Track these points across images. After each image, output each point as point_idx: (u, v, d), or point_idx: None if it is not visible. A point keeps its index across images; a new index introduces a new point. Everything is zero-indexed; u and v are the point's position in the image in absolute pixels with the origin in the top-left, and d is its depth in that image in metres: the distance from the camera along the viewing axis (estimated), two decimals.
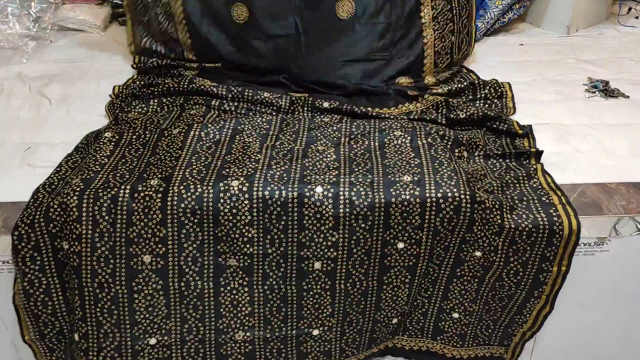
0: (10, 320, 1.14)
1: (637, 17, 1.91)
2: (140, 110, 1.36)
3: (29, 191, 1.10)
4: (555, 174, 1.16)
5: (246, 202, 1.01)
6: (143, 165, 1.11)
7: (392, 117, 1.33)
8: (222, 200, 1.01)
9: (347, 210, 1.02)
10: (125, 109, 1.36)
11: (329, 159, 1.12)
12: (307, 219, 1.03)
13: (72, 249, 1.01)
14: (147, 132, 1.21)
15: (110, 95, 1.46)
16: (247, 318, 1.11)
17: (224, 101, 1.32)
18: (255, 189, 1.02)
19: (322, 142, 1.19)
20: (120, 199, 1.01)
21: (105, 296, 1.04)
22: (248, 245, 1.05)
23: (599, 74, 1.56)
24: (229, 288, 1.08)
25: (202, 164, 1.08)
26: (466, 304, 1.15)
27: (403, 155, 1.12)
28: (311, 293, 1.10)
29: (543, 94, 1.49)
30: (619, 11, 1.85)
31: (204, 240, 1.04)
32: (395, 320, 1.15)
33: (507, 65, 1.63)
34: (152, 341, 1.09)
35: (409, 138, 1.16)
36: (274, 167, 1.08)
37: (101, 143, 1.17)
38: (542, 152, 1.21)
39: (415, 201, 1.02)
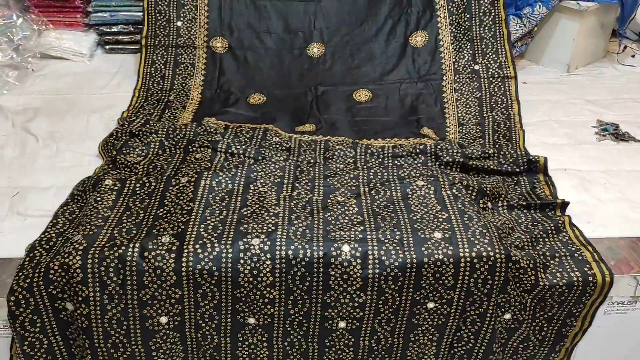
0: None
1: (633, 56, 1.92)
2: (139, 152, 1.27)
3: (21, 245, 1.01)
4: (582, 226, 1.12)
5: (268, 262, 0.94)
6: (151, 218, 1.02)
7: (409, 161, 1.28)
8: (242, 261, 0.93)
9: (377, 271, 0.95)
10: (124, 151, 1.26)
11: (351, 212, 1.06)
12: (333, 280, 0.95)
13: (79, 312, 0.92)
14: (151, 180, 1.12)
15: (116, 128, 1.36)
16: None
17: (231, 144, 1.25)
18: (277, 247, 0.95)
19: (340, 192, 1.13)
20: (129, 258, 0.92)
21: (121, 355, 0.96)
22: (269, 307, 0.97)
23: (606, 115, 1.55)
24: (247, 343, 1.01)
25: (217, 219, 1.00)
26: None
27: (429, 208, 1.06)
28: (333, 350, 1.03)
29: (553, 136, 1.46)
30: (618, 50, 1.85)
31: (222, 300, 0.96)
32: None
33: None
34: None
35: (432, 189, 1.11)
36: (295, 222, 1.01)
37: (102, 192, 1.07)
38: (568, 203, 1.17)
39: (448, 261, 0.96)
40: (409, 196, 1.10)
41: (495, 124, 1.47)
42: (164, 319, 0.96)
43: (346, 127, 1.46)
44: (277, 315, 0.98)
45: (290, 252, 0.95)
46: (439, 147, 1.27)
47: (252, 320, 0.99)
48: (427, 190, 1.11)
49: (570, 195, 1.21)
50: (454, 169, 1.24)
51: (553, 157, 1.35)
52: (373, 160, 1.28)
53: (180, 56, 1.62)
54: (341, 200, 1.09)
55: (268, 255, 0.94)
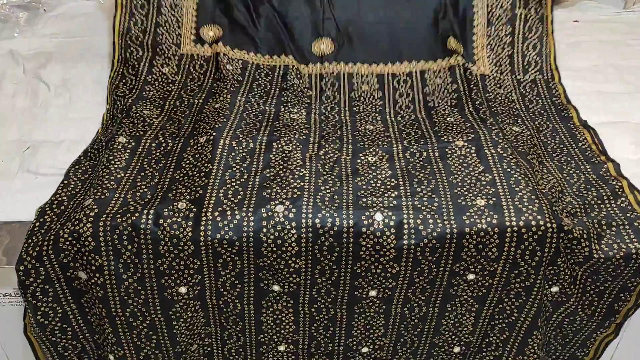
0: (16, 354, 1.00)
1: None
2: (156, 104, 1.17)
3: (32, 207, 0.94)
4: None
5: (293, 231, 0.86)
6: (167, 181, 0.94)
7: (442, 105, 1.17)
8: (264, 230, 0.86)
9: (413, 241, 0.86)
10: (139, 102, 1.17)
11: (384, 175, 0.96)
12: (364, 250, 0.87)
13: (93, 281, 0.86)
14: (168, 139, 1.04)
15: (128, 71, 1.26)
16: (290, 334, 1.00)
17: (250, 99, 1.14)
18: (304, 215, 0.86)
19: (371, 150, 1.03)
20: (143, 226, 0.85)
21: (140, 324, 0.91)
22: (294, 275, 0.90)
23: None
24: (271, 309, 0.96)
25: (238, 182, 0.92)
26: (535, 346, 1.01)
27: (470, 169, 0.96)
28: (363, 316, 0.97)
29: (608, 83, 1.31)
30: None
31: (244, 268, 0.89)
32: (457, 349, 1.03)
33: (562, 47, 1.44)
34: (193, 347, 0.99)
35: (473, 149, 1.00)
36: (322, 187, 0.92)
37: (115, 150, 1.00)
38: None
39: (492, 231, 0.86)
40: (448, 156, 0.99)
41: (527, 25, 1.34)
42: (183, 289, 0.90)
43: (367, 43, 1.29)
44: (303, 284, 0.91)
45: (317, 220, 0.86)
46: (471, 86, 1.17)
47: (276, 288, 0.92)
48: (467, 150, 1.00)
49: (629, 153, 1.09)
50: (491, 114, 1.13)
51: (608, 108, 1.22)
52: (402, 102, 1.18)
53: None
54: (372, 161, 1.00)
55: (293, 224, 0.86)
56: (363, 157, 1.01)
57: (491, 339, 1.01)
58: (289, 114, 1.12)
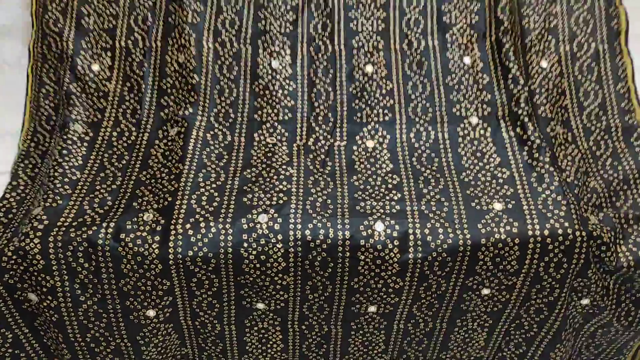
0: None
1: None
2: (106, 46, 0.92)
3: None
4: None
5: (279, 245, 0.73)
6: (131, 185, 0.80)
7: (463, 39, 0.95)
8: (245, 244, 0.72)
9: (420, 255, 0.74)
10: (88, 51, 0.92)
11: (384, 170, 0.83)
12: (363, 265, 0.75)
13: (45, 304, 0.73)
14: (130, 123, 0.88)
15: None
16: (278, 353, 0.88)
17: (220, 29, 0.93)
18: (291, 226, 0.73)
19: (370, 128, 0.88)
20: (101, 241, 0.72)
21: (104, 349, 0.80)
22: (282, 292, 0.78)
23: None
24: (256, 329, 0.84)
25: (213, 186, 0.78)
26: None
27: (485, 162, 0.83)
28: (361, 332, 0.85)
29: None
30: None
31: (222, 287, 0.76)
32: None
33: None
34: None
35: (489, 129, 0.86)
36: (312, 189, 0.79)
37: (69, 142, 0.85)
38: None
39: (512, 242, 0.74)
40: (460, 141, 0.86)
41: None
42: (151, 312, 0.77)
43: None
44: (292, 300, 0.79)
45: (307, 232, 0.73)
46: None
47: (261, 306, 0.80)
48: (481, 132, 0.86)
49: None
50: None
51: None
52: (411, 15, 0.96)
53: None
54: (371, 148, 0.86)
55: (279, 237, 0.73)
56: (360, 143, 0.87)
57: (505, 353, 0.90)
58: (270, 58, 0.92)
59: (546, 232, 0.73)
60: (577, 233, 0.74)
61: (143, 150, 0.85)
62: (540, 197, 0.77)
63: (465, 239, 0.73)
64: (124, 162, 0.84)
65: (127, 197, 0.78)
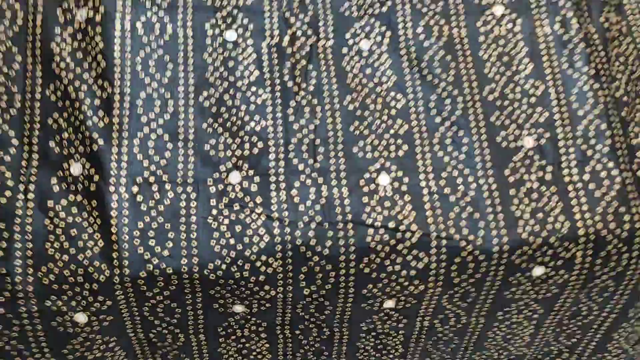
0: None
1: None
2: None
3: None
4: None
5: (263, 256, 0.52)
6: (37, 108, 0.56)
7: None
8: (216, 212, 0.52)
9: (443, 257, 0.54)
10: None
11: (387, 86, 0.61)
12: (367, 271, 0.55)
13: None
14: (12, 86, 0.57)
15: None
16: None
17: None
18: (272, 187, 0.53)
19: (363, 24, 0.64)
20: (20, 211, 0.50)
21: None
22: (267, 288, 0.57)
23: None
24: (234, 337, 0.63)
25: (160, 121, 0.56)
26: None
27: (514, 70, 0.61)
28: (373, 334, 0.66)
29: None
30: None
31: (184, 285, 0.55)
32: None
33: None
34: None
35: (519, 22, 0.64)
36: (294, 124, 0.57)
37: None
38: None
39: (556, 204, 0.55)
40: (481, 41, 0.63)
41: None
42: (81, 317, 0.55)
43: None
44: (281, 299, 0.59)
45: (297, 234, 0.53)
46: None
47: (239, 309, 0.59)
48: (509, 27, 0.64)
49: None
50: None
51: None
52: None
53: None
54: (366, 52, 0.63)
55: (259, 210, 0.52)
56: (352, 43, 0.63)
57: (553, 347, 0.71)
58: None
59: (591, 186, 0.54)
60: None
61: (40, 43, 0.57)
62: (580, 125, 0.58)
63: (501, 239, 0.54)
64: (16, 65, 0.56)
65: (37, 132, 0.55)
